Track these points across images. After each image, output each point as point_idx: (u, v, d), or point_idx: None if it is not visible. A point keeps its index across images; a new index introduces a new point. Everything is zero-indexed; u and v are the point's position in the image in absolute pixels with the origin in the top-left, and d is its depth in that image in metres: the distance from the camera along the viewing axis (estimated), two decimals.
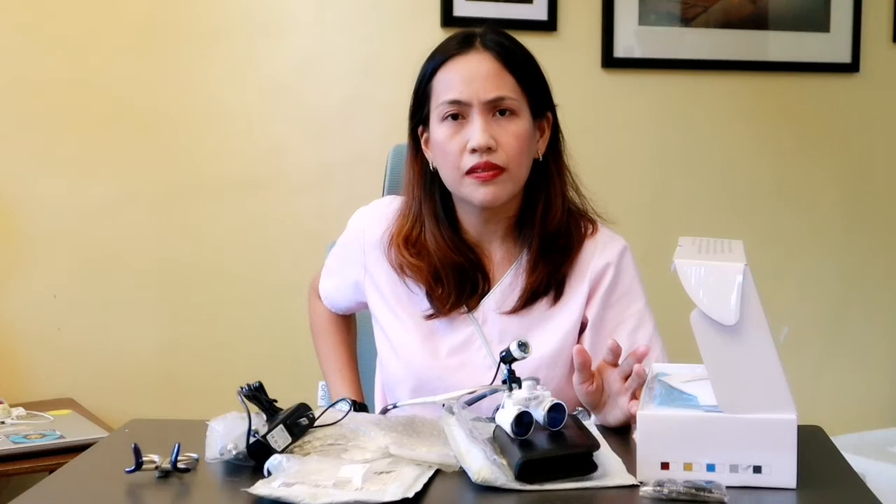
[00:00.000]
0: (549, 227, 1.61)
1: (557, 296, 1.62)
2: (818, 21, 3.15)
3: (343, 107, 2.81)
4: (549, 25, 2.89)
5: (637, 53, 3.02)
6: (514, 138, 1.56)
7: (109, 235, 2.65)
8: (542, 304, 1.62)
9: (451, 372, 1.60)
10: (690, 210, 3.13)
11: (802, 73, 3.17)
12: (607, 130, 3.02)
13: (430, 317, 1.62)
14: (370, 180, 2.47)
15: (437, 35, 2.82)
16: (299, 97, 2.77)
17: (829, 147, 3.24)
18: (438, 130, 1.58)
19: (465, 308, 1.62)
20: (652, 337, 1.62)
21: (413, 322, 1.63)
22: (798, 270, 3.22)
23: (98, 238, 2.65)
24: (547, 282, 1.61)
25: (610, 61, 2.99)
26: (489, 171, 1.54)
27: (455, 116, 1.56)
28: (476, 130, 1.54)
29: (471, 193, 1.56)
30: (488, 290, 1.63)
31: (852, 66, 3.19)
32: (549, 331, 1.61)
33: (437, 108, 1.58)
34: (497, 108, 1.56)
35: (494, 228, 1.63)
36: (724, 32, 3.08)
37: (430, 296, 1.62)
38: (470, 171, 1.55)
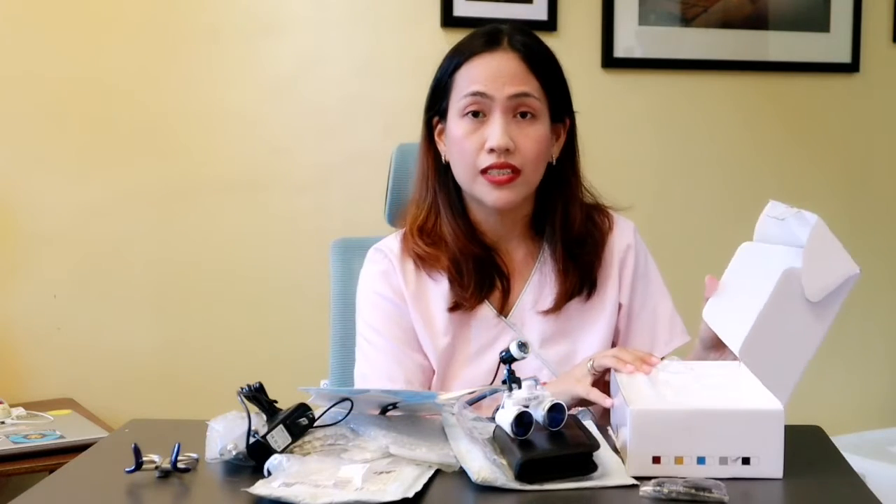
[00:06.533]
0: (572, 232, 1.63)
1: (591, 290, 1.64)
2: (818, 21, 3.15)
3: (343, 107, 2.81)
4: (549, 25, 2.88)
5: (637, 53, 3.02)
6: (532, 141, 1.56)
7: (109, 235, 2.65)
8: (577, 301, 1.64)
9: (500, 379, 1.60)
10: (690, 210, 3.13)
11: (802, 73, 3.17)
12: (607, 130, 3.02)
13: (452, 309, 1.60)
14: (370, 180, 2.47)
15: (437, 35, 2.84)
16: (299, 97, 2.77)
17: (829, 147, 3.24)
18: (457, 126, 1.57)
19: (493, 308, 1.62)
20: (672, 312, 1.67)
21: (455, 330, 1.61)
22: None
23: (98, 238, 2.65)
24: (580, 283, 1.63)
25: (610, 61, 2.99)
26: (504, 171, 1.54)
27: (476, 114, 1.55)
28: (495, 130, 1.54)
29: (483, 194, 1.57)
30: (509, 288, 1.63)
31: (852, 66, 3.19)
32: (591, 325, 1.64)
33: (458, 101, 1.57)
34: (518, 109, 1.56)
35: (511, 227, 1.65)
36: (724, 32, 3.08)
37: (452, 283, 1.61)
38: (485, 171, 1.55)
